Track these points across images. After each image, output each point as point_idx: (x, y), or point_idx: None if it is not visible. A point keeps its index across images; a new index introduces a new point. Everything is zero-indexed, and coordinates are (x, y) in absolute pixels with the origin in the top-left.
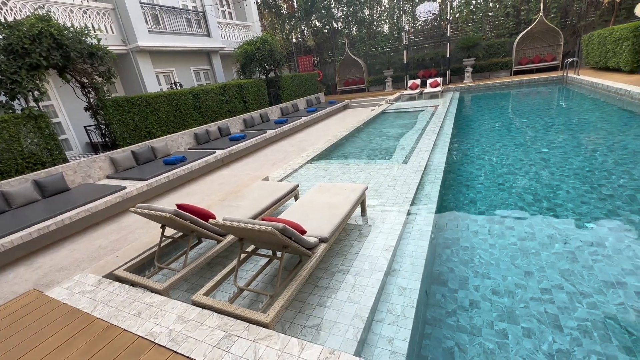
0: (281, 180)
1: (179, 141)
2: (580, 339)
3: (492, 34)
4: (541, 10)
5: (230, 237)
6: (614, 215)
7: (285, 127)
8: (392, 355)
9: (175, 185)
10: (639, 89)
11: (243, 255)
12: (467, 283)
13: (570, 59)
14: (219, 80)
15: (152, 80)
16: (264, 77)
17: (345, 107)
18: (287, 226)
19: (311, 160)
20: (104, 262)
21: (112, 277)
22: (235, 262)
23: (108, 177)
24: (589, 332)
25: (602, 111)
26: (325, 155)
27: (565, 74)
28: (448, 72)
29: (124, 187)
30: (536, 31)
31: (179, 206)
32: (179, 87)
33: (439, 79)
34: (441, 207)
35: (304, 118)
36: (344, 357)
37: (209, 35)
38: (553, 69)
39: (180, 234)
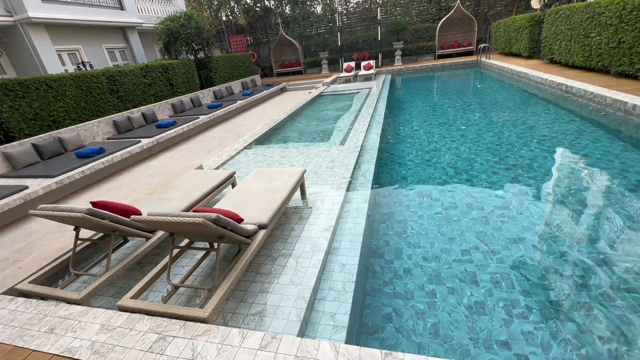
0: (217, 168)
1: (94, 130)
2: (492, 290)
3: (418, 19)
4: None
5: (160, 233)
6: (516, 181)
7: (220, 111)
8: (335, 329)
9: (95, 180)
10: (535, 72)
11: (176, 251)
12: (402, 253)
13: (483, 45)
14: (140, 60)
15: (53, 59)
16: (192, 57)
17: (283, 89)
18: (221, 215)
19: (249, 146)
20: (2, 276)
21: (14, 292)
22: (167, 259)
23: (3, 176)
24: (498, 282)
25: (507, 92)
26: (264, 140)
27: (479, 59)
28: (380, 55)
29: (26, 187)
30: (455, 18)
31: (94, 204)
32: (88, 68)
33: (372, 62)
34: (376, 185)
35: (239, 102)
36: (285, 339)
37: (122, 8)
38: (470, 53)
39: (101, 234)
